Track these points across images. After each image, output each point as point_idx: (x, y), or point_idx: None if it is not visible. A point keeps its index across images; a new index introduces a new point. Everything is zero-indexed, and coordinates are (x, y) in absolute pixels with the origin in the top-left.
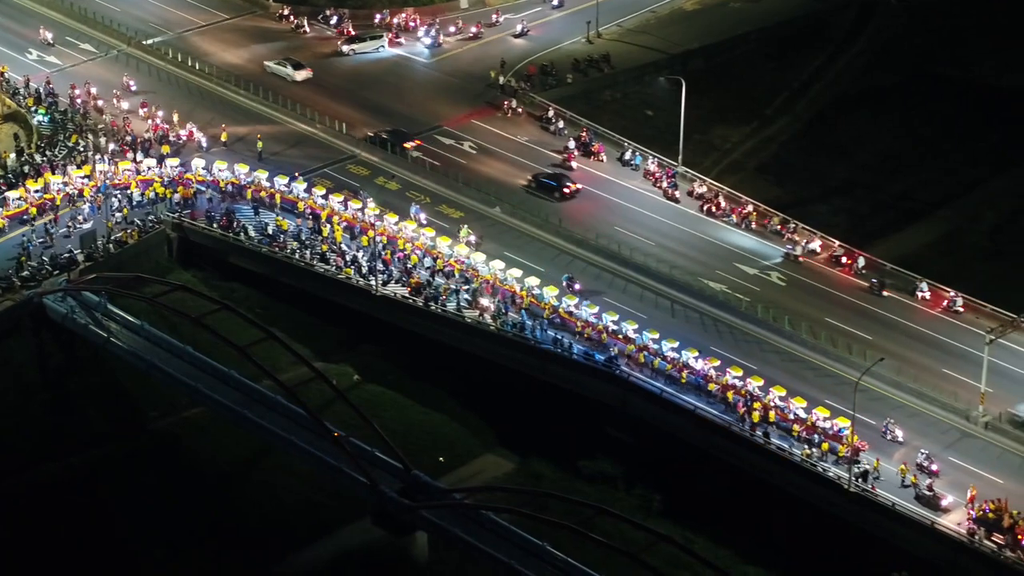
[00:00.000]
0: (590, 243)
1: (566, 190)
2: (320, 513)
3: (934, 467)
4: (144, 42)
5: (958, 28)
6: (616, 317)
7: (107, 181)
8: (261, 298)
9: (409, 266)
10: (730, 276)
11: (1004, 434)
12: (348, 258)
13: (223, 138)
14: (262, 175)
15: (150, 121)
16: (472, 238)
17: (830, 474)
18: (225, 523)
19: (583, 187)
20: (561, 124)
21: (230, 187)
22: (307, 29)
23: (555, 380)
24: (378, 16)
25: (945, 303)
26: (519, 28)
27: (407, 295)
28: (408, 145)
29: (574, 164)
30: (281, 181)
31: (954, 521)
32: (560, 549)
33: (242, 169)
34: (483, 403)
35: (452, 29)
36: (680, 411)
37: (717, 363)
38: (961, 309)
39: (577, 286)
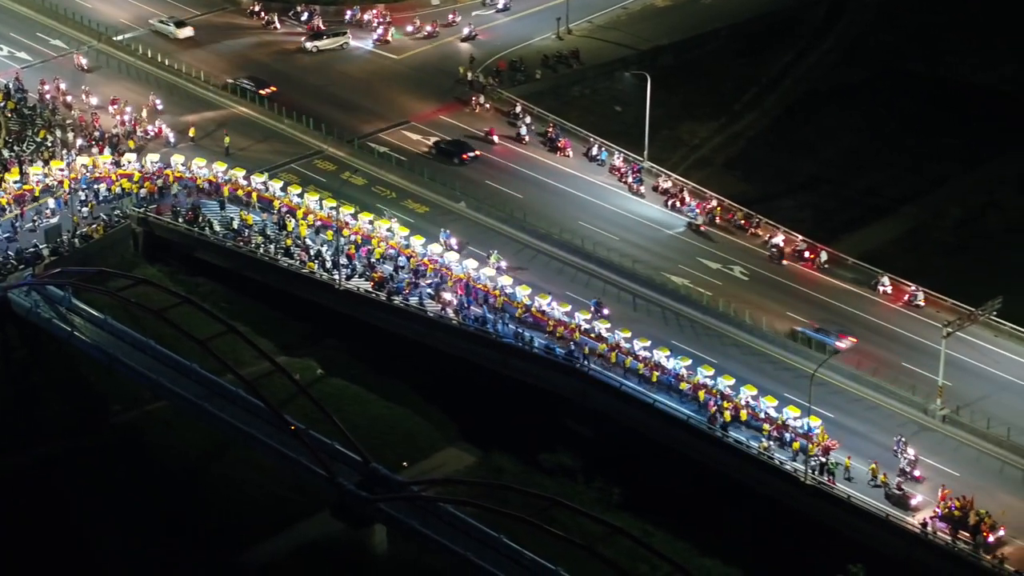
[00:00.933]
0: (553, 237)
1: (464, 156)
2: (281, 506)
3: (916, 472)
4: (114, 38)
5: (927, 25)
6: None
7: (87, 174)
8: (226, 292)
9: (373, 260)
10: (693, 271)
11: (961, 427)
12: (312, 253)
13: (191, 133)
14: (239, 172)
15: (118, 117)
16: (502, 264)
17: (787, 467)
18: (186, 516)
19: (482, 154)
20: (528, 119)
21: (207, 184)
22: (277, 26)
23: (516, 374)
24: (348, 13)
25: (906, 297)
26: (466, 31)
27: (370, 289)
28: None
29: (495, 138)
30: (258, 179)
31: (922, 519)
32: (519, 541)
33: (220, 167)
34: (446, 397)
35: (410, 28)
36: (639, 404)
37: (688, 362)
38: (922, 303)
39: (606, 311)
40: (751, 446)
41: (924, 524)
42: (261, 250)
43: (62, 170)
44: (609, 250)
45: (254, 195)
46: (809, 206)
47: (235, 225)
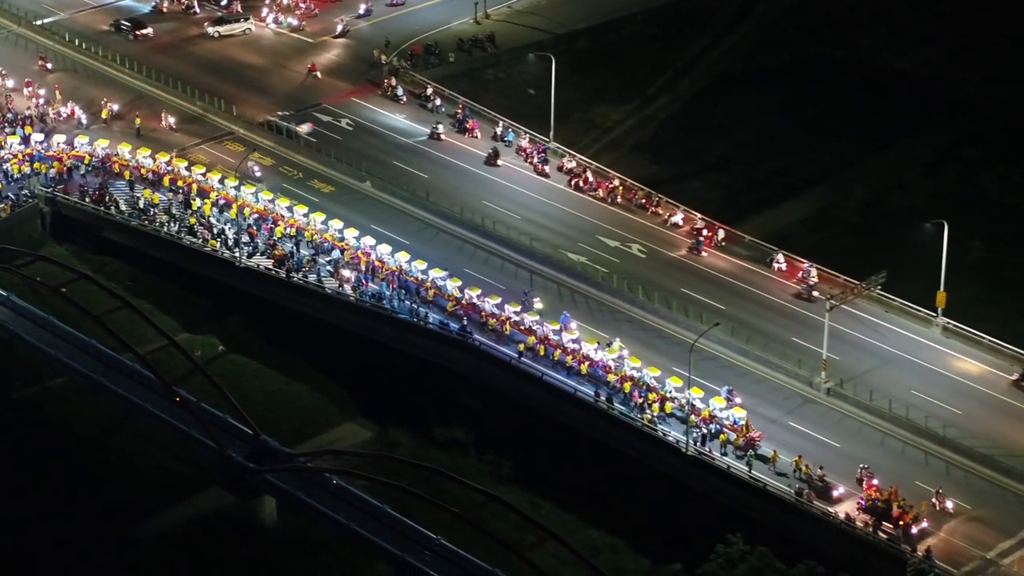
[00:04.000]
0: (455, 216)
1: (138, 33)
2: (177, 479)
3: (875, 481)
4: (35, 23)
5: (846, 9)
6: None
7: (41, 151)
8: (132, 271)
9: (275, 239)
10: (592, 248)
11: (845, 400)
12: (215, 231)
13: (104, 115)
14: (181, 163)
15: (33, 100)
16: (625, 352)
17: (670, 438)
18: (83, 490)
19: (153, 33)
20: (439, 101)
21: (151, 175)
22: (197, 9)
23: (412, 349)
24: None
25: (800, 274)
26: (339, 27)
27: (270, 267)
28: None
29: (317, 73)
30: (198, 171)
31: (843, 511)
32: (410, 513)
33: (163, 158)
34: (344, 373)
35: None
36: (528, 378)
37: (616, 354)
38: (815, 280)
39: (537, 304)
40: (636, 418)
41: (800, 493)
42: (165, 229)
43: (19, 143)
44: (509, 228)
45: (194, 187)
46: (718, 187)
47: (141, 204)
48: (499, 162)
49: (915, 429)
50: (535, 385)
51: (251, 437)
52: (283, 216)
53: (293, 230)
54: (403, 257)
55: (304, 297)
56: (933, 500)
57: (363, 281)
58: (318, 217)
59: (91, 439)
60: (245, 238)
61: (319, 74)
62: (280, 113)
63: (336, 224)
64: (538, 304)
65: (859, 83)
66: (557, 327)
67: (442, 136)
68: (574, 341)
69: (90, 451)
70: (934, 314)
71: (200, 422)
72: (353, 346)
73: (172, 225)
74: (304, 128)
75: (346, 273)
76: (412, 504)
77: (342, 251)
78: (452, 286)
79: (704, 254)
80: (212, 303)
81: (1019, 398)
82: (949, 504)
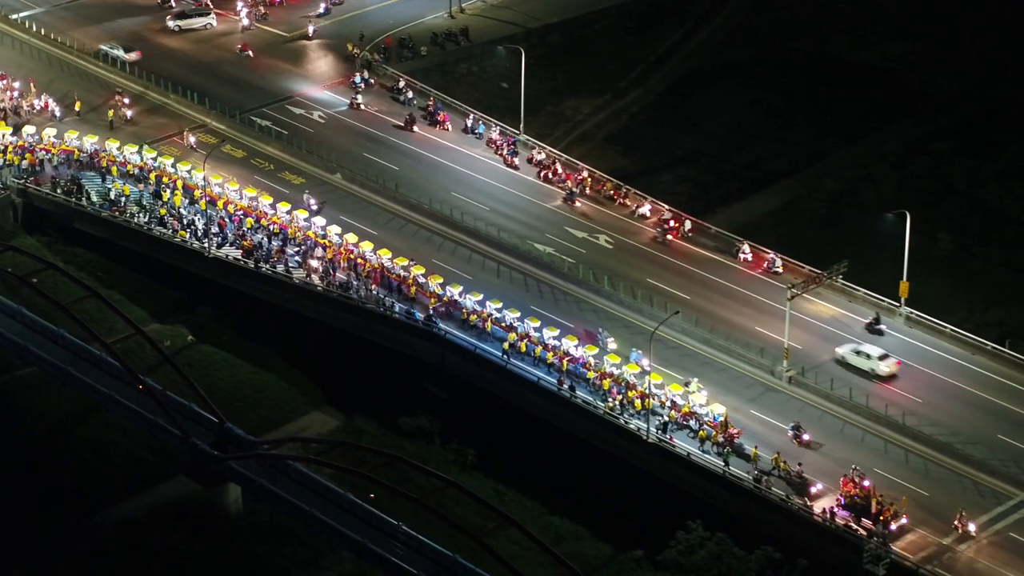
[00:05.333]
0: (423, 207)
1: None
2: (144, 468)
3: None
4: (11, 16)
5: (816, 4)
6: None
7: (32, 143)
8: (103, 262)
9: (245, 229)
10: (559, 239)
11: (806, 388)
12: (185, 222)
13: (76, 107)
14: (167, 160)
15: (8, 93)
16: (704, 393)
17: (631, 426)
18: (48, 478)
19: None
20: (411, 94)
21: (137, 171)
22: (173, 3)
23: (379, 339)
24: None
25: (765, 264)
26: (310, 30)
27: (239, 257)
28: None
29: (249, 52)
30: (184, 168)
31: (821, 507)
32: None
33: (149, 154)
34: (312, 362)
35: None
36: (492, 366)
37: (595, 351)
38: (780, 270)
39: (645, 362)
40: (598, 406)
41: (759, 480)
42: (135, 220)
43: (11, 134)
44: (477, 219)
45: (179, 183)
46: (688, 179)
47: (112, 196)
48: (415, 128)
49: (875, 417)
50: (499, 374)
51: (216, 425)
52: (266, 213)
53: (276, 227)
54: (385, 254)
55: (272, 287)
56: (956, 523)
57: (331, 271)
58: (300, 215)
59: (60, 428)
60: (215, 229)
61: (251, 53)
62: (111, 43)
63: (319, 221)
64: (612, 344)
65: (829, 77)
66: (636, 370)
67: (361, 106)
68: (637, 375)
69: (59, 440)
70: (897, 304)
71: (165, 410)
72: (321, 336)
73: (142, 216)
74: (132, 56)
75: (314, 263)
76: (376, 492)
77: (325, 248)
78: (434, 283)
79: (667, 240)
80: (182, 294)
81: (980, 387)
82: (972, 527)
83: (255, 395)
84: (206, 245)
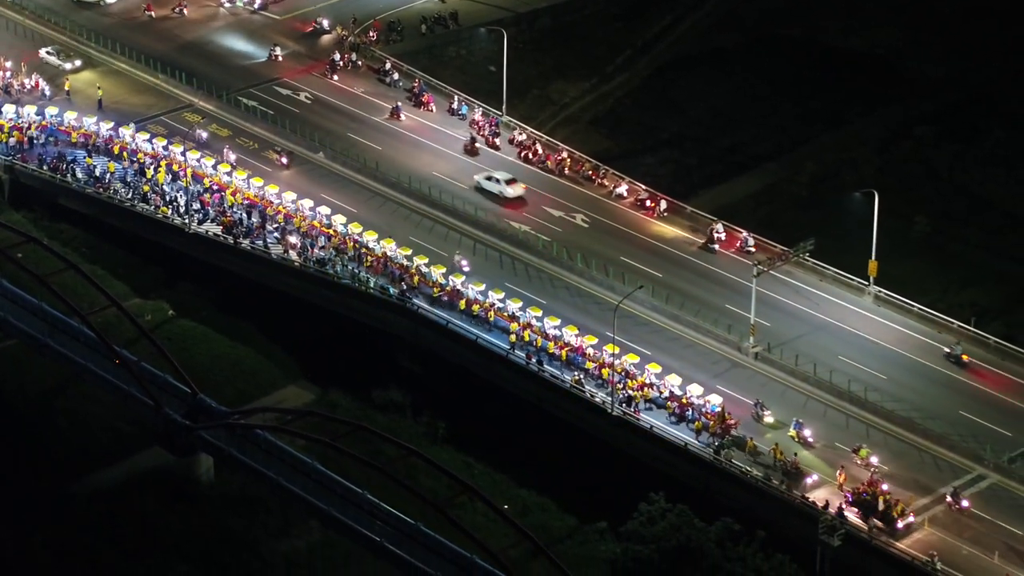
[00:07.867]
0: (403, 186)
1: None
2: (119, 439)
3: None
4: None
5: None
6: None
7: (54, 125)
8: (87, 238)
9: (225, 206)
10: (536, 218)
11: (771, 364)
12: (168, 199)
13: (66, 87)
14: (177, 148)
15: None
16: (874, 459)
17: (596, 399)
18: (26, 448)
19: None
20: (396, 76)
21: (147, 159)
22: None
23: (354, 314)
24: None
25: (738, 243)
26: (257, 4)
27: (219, 233)
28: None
29: (152, 13)
30: (193, 156)
31: (821, 498)
32: (343, 470)
33: (160, 142)
34: (289, 337)
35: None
36: (463, 341)
37: (595, 340)
38: (753, 249)
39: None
40: (564, 380)
41: (718, 452)
42: (119, 196)
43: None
44: (455, 198)
45: (188, 171)
46: (670, 162)
47: (97, 173)
48: (402, 117)
49: (838, 392)
50: (470, 348)
51: (189, 396)
52: (272, 203)
53: (281, 216)
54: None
55: (251, 263)
56: (948, 499)
57: (309, 248)
58: (306, 203)
59: (38, 399)
60: (196, 205)
61: (153, 14)
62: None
63: (324, 210)
64: (769, 418)
65: (814, 63)
66: (793, 435)
67: (280, 57)
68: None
69: (36, 410)
70: (866, 283)
71: (138, 381)
72: (298, 311)
73: (126, 192)
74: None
75: (292, 239)
76: (347, 463)
77: (329, 237)
78: (437, 272)
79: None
80: (164, 269)
81: (944, 364)
82: (965, 503)
83: (232, 369)
84: (187, 220)
